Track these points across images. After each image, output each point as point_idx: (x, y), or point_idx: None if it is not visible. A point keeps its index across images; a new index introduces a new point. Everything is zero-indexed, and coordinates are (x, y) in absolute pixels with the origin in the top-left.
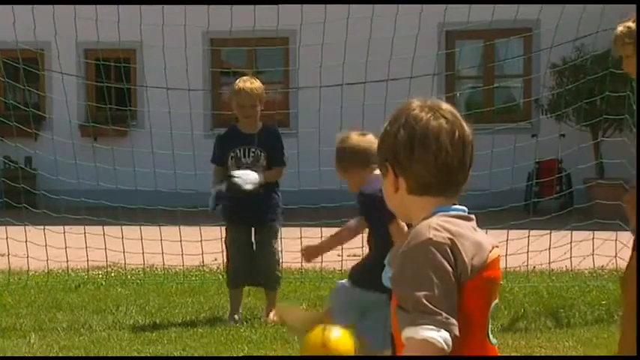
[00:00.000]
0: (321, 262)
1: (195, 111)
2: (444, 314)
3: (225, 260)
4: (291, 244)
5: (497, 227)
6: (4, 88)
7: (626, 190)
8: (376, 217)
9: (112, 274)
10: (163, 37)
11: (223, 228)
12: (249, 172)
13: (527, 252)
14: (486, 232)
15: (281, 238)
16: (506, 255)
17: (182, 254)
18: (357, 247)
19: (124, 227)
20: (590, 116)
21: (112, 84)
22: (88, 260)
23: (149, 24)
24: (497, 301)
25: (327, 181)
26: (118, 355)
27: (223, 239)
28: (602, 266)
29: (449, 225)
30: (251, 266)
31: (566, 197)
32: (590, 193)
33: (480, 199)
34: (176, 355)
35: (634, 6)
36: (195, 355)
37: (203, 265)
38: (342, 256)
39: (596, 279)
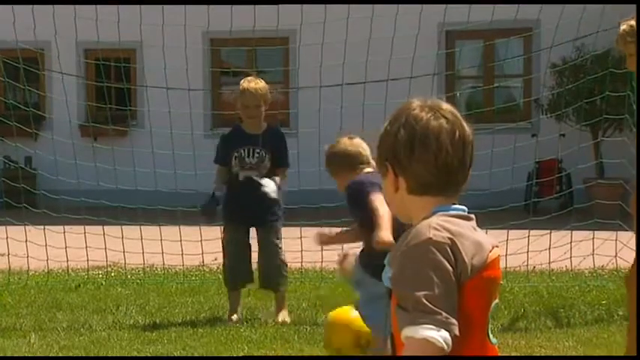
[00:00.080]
0: (321, 262)
1: (195, 111)
2: (444, 314)
3: (223, 262)
4: (291, 244)
5: (497, 227)
6: (4, 88)
7: (626, 190)
8: (355, 202)
9: (112, 274)
10: (163, 37)
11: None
12: (269, 180)
13: (527, 252)
14: (486, 232)
15: (281, 238)
16: (506, 255)
17: (182, 254)
18: (358, 248)
19: (124, 227)
20: (590, 116)
21: (112, 84)
22: (88, 260)
23: (149, 24)
24: (497, 300)
25: (327, 181)
26: (118, 355)
27: (222, 240)
28: (602, 266)
29: (449, 225)
30: (248, 267)
31: (566, 197)
32: (590, 192)
33: (480, 199)
34: (176, 354)
35: (634, 6)
36: (195, 354)
37: (203, 265)
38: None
39: (596, 279)
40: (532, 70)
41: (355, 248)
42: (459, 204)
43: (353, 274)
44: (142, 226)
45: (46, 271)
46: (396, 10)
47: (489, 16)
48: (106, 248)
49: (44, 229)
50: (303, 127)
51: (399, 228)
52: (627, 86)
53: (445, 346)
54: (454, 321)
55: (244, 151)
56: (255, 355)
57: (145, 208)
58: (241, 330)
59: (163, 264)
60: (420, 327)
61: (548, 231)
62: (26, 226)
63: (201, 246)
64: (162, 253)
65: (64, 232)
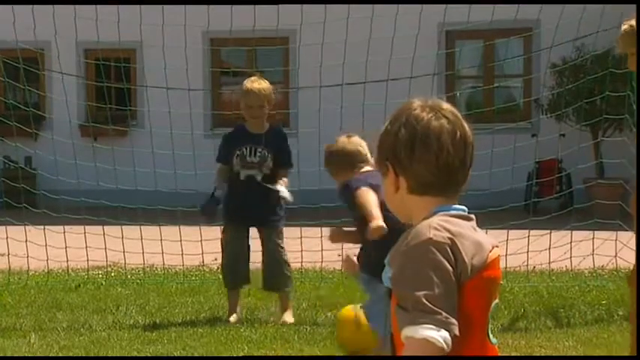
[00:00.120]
0: (321, 262)
1: (195, 111)
2: (444, 313)
3: (222, 261)
4: (291, 244)
5: (497, 227)
6: (4, 87)
7: (626, 190)
8: (347, 202)
9: (112, 274)
10: (163, 37)
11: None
12: (281, 186)
13: (527, 252)
14: (486, 232)
15: (283, 238)
16: (506, 255)
17: (182, 254)
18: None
19: (124, 227)
20: (590, 116)
21: (112, 84)
22: (88, 260)
23: (149, 24)
24: (497, 300)
25: (327, 181)
26: (118, 355)
27: (221, 240)
28: (602, 266)
29: (449, 225)
30: (247, 267)
31: (566, 197)
32: (590, 192)
33: (480, 199)
34: (176, 354)
35: (634, 6)
36: (195, 354)
37: (203, 265)
38: (342, 256)
39: (596, 279)
40: (532, 70)
41: (354, 248)
42: (459, 204)
43: (358, 274)
44: (142, 226)
45: (46, 271)
46: (396, 10)
47: (489, 16)
48: (106, 248)
49: (44, 229)
50: (303, 127)
51: (393, 223)
52: (627, 86)
53: (445, 346)
54: (454, 321)
55: (246, 149)
56: (255, 355)
57: (145, 208)
58: (241, 330)
59: (163, 264)
60: (420, 327)
61: (548, 231)
62: (26, 226)
63: (201, 246)
64: (163, 253)
65: (64, 232)
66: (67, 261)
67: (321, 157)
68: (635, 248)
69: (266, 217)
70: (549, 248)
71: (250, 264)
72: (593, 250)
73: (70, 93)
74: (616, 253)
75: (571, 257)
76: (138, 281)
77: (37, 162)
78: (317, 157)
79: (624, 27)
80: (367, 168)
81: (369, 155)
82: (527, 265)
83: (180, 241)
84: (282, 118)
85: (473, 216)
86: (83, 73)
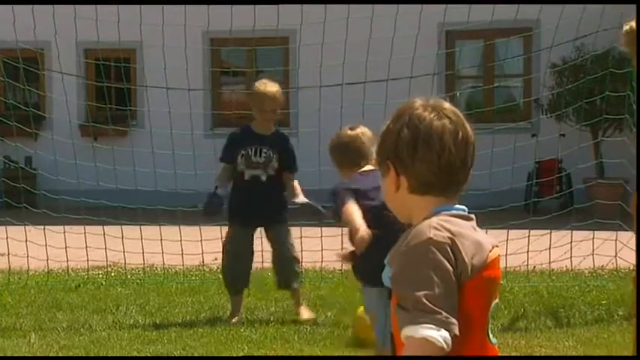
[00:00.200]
0: (321, 262)
1: (195, 111)
2: (444, 313)
3: (222, 262)
4: None
5: (497, 227)
6: (4, 87)
7: (626, 190)
8: (334, 210)
9: (112, 274)
10: (163, 37)
11: (223, 228)
12: (301, 197)
13: (527, 252)
14: (486, 232)
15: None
16: (506, 255)
17: (182, 254)
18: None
19: (124, 227)
20: (590, 116)
21: (112, 84)
22: (88, 260)
23: (149, 24)
24: (497, 300)
25: (327, 181)
26: (118, 355)
27: (224, 240)
28: (602, 266)
29: (449, 224)
30: (248, 271)
31: (566, 197)
32: (590, 192)
33: (480, 199)
34: (176, 354)
35: (634, 6)
36: (195, 354)
37: (203, 265)
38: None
39: (596, 279)
40: (532, 70)
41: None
42: (460, 204)
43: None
44: (142, 226)
45: (46, 271)
46: (396, 10)
47: (489, 16)
48: (106, 248)
49: (44, 229)
50: (303, 127)
51: (382, 219)
52: (627, 86)
53: (445, 346)
54: (454, 321)
55: (251, 150)
56: (255, 355)
57: (145, 208)
58: (241, 330)
59: (163, 264)
60: (420, 326)
61: (548, 231)
62: (26, 226)
63: (201, 246)
64: (163, 252)
65: (64, 232)
66: (67, 261)
67: (321, 157)
68: (635, 248)
69: (271, 216)
70: (549, 248)
71: (252, 265)
72: (593, 250)
73: (70, 93)
74: (616, 253)
75: (571, 257)
76: (138, 281)
77: (37, 162)
78: (317, 157)
79: (626, 28)
80: (368, 167)
81: (372, 149)
82: (527, 265)
83: (181, 240)
84: (282, 118)
85: (473, 216)
86: (83, 73)
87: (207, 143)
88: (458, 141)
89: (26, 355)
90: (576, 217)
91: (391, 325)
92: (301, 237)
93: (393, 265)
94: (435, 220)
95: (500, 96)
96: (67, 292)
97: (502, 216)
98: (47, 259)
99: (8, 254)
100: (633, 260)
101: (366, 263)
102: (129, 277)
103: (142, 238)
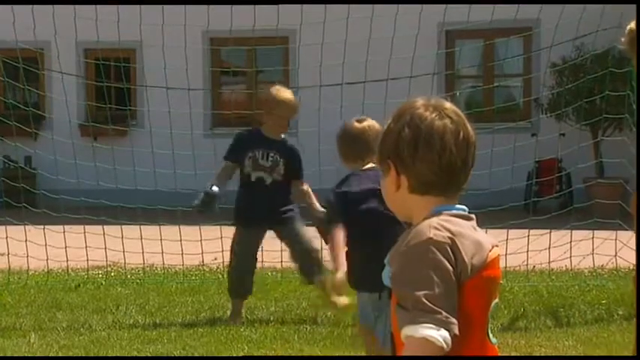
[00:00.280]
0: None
1: (195, 110)
2: (444, 313)
3: (229, 264)
4: None
5: (497, 226)
6: (3, 87)
7: (626, 190)
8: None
9: (112, 274)
10: (163, 37)
11: (223, 227)
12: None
13: (527, 251)
14: (486, 232)
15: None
16: (506, 254)
17: (182, 254)
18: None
19: (123, 227)
20: (589, 115)
21: (112, 84)
22: (87, 260)
23: (149, 24)
24: (497, 300)
25: (327, 180)
26: (118, 355)
27: (231, 241)
28: (602, 265)
29: (449, 224)
30: (252, 277)
31: (566, 196)
32: (590, 192)
33: (480, 199)
34: (176, 354)
35: (633, 6)
36: (195, 354)
37: (203, 265)
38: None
39: (596, 278)
40: (532, 69)
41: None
42: (460, 203)
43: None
44: (141, 226)
45: (45, 270)
46: (395, 9)
47: (489, 15)
48: (105, 248)
49: (44, 228)
50: (303, 126)
51: (369, 226)
52: (627, 86)
53: (445, 346)
54: (454, 320)
55: (259, 153)
56: (255, 355)
57: (144, 207)
58: (241, 330)
59: (163, 264)
60: (419, 326)
61: (548, 230)
62: (26, 226)
63: (201, 246)
64: (162, 252)
65: (64, 232)
66: (67, 261)
67: (321, 156)
68: (635, 248)
69: (275, 216)
70: (549, 248)
71: (254, 270)
72: (593, 250)
73: (69, 93)
74: (616, 253)
75: (571, 257)
76: (138, 281)
77: (36, 162)
78: (317, 157)
79: (630, 27)
80: (370, 165)
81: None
82: (527, 265)
83: (180, 240)
84: None
85: (473, 215)
86: (83, 72)
87: (207, 143)
88: (459, 141)
89: (26, 354)
90: (576, 217)
91: (391, 325)
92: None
93: (393, 265)
94: (435, 220)
95: (500, 95)
96: (67, 292)
97: (502, 215)
98: (47, 259)
99: (8, 254)
100: (633, 260)
101: (354, 270)
102: (129, 276)
103: (141, 238)
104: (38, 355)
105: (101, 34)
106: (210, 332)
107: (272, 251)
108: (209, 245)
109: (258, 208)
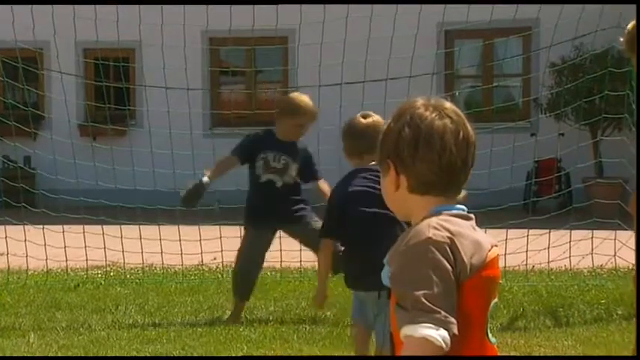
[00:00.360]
0: None
1: (194, 110)
2: (443, 312)
3: (235, 264)
4: (290, 243)
5: (497, 226)
6: (3, 87)
7: (625, 190)
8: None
9: (111, 274)
10: (162, 37)
11: (222, 227)
12: None
13: (527, 251)
14: (485, 232)
15: (280, 236)
16: (505, 254)
17: (181, 253)
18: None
19: (123, 227)
20: (589, 115)
21: (111, 83)
22: (87, 259)
23: (148, 23)
24: (496, 300)
25: (327, 180)
26: (118, 355)
27: (240, 242)
28: (601, 265)
29: (448, 224)
30: (257, 278)
31: (565, 196)
32: (589, 192)
33: (479, 199)
34: (175, 354)
35: (633, 6)
36: (195, 354)
37: (202, 265)
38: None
39: (595, 278)
40: (531, 69)
41: None
42: (459, 203)
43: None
44: (141, 226)
45: (45, 270)
46: (395, 9)
47: (488, 15)
48: (105, 248)
49: (43, 228)
50: None
51: (365, 228)
52: (626, 85)
53: (444, 345)
54: (453, 320)
55: (271, 154)
56: (255, 354)
57: (144, 207)
58: (240, 330)
59: (162, 263)
60: (419, 326)
61: (547, 230)
62: (25, 226)
63: (200, 245)
64: (162, 252)
65: (63, 232)
66: (66, 260)
67: (320, 156)
68: (634, 248)
69: (286, 216)
70: (548, 247)
71: (259, 272)
72: (592, 250)
73: (69, 93)
74: (615, 253)
75: (570, 256)
76: (137, 281)
77: (36, 161)
78: (316, 157)
79: (630, 26)
80: (372, 163)
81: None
82: (526, 265)
83: (180, 240)
84: None
85: (472, 215)
86: (82, 72)
87: (206, 143)
88: (459, 141)
89: (25, 354)
90: (575, 217)
91: (390, 325)
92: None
93: (393, 265)
94: (434, 220)
95: (499, 95)
96: (66, 292)
97: (501, 215)
98: (46, 259)
99: (7, 254)
100: (632, 259)
101: (352, 269)
102: (128, 276)
103: (141, 238)
104: (37, 354)
105: (100, 33)
106: (209, 332)
107: (271, 251)
108: (208, 245)
109: (267, 210)
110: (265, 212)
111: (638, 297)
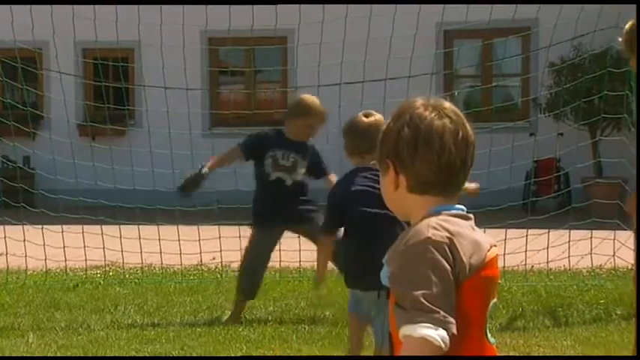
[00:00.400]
0: None
1: (193, 110)
2: (442, 312)
3: (241, 263)
4: (289, 242)
5: (496, 226)
6: (2, 87)
7: (624, 190)
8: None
9: (110, 274)
10: (161, 37)
11: (221, 227)
12: None
13: (526, 251)
14: (484, 231)
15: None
16: (504, 254)
17: (180, 253)
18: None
19: (122, 226)
20: (588, 115)
21: (110, 83)
22: (86, 259)
23: (147, 23)
24: (495, 300)
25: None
26: (117, 355)
27: (247, 242)
28: (600, 265)
29: (447, 224)
30: (262, 278)
31: (564, 196)
32: (588, 192)
33: (478, 198)
34: (174, 354)
35: (631, 6)
36: (194, 354)
37: (201, 265)
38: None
39: (594, 278)
40: (530, 69)
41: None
42: (458, 203)
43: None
44: (140, 226)
45: (44, 270)
46: (394, 9)
47: (487, 15)
48: (104, 248)
49: (42, 228)
50: None
51: (364, 228)
52: (625, 85)
53: (443, 345)
54: (452, 320)
55: (280, 153)
56: (254, 354)
57: (143, 207)
58: (240, 330)
59: (161, 263)
60: (417, 325)
61: (547, 230)
62: (24, 226)
63: (199, 245)
64: (161, 252)
65: (62, 232)
66: (66, 260)
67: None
68: (634, 247)
69: (296, 215)
70: (547, 247)
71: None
72: (591, 250)
73: (68, 92)
74: (614, 253)
75: (569, 256)
76: (136, 281)
77: (35, 161)
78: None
79: (627, 26)
80: (373, 162)
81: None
82: (525, 265)
83: (179, 240)
84: (280, 118)
85: (471, 215)
86: (81, 72)
87: (205, 143)
88: (458, 141)
89: (24, 354)
90: (574, 217)
91: (389, 325)
92: (299, 236)
93: (392, 265)
94: (433, 220)
95: (498, 95)
96: (65, 292)
97: (500, 215)
98: (45, 259)
99: (6, 254)
100: (631, 259)
101: (350, 269)
102: (127, 276)
103: (140, 238)
104: (36, 355)
105: (99, 33)
106: (208, 332)
107: None
108: (207, 245)
109: (276, 209)
110: (274, 211)
111: (638, 297)
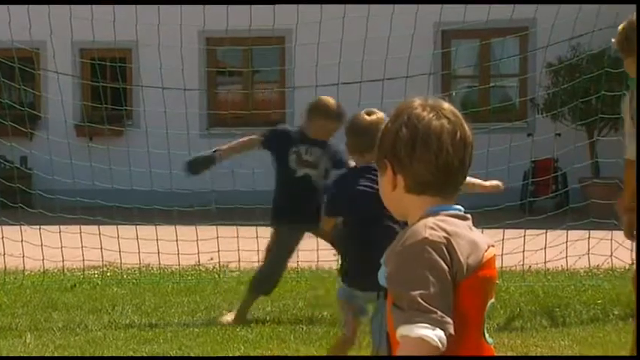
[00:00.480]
0: (317, 261)
1: (190, 110)
2: (439, 312)
3: (263, 261)
4: None
5: (493, 226)
6: None
7: (622, 190)
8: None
9: (108, 274)
10: (159, 37)
11: (220, 227)
12: None
13: (523, 251)
14: (482, 232)
15: None
16: (502, 254)
17: (178, 254)
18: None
19: (119, 227)
20: (585, 115)
21: (108, 83)
22: (83, 260)
23: (145, 23)
24: (493, 300)
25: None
26: (114, 355)
27: (269, 242)
28: (598, 265)
29: (445, 224)
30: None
31: (562, 196)
32: (586, 192)
33: (476, 198)
34: (172, 354)
35: (629, 6)
36: (192, 354)
37: (199, 265)
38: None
39: (592, 278)
40: (528, 69)
41: None
42: (456, 203)
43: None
44: (137, 226)
45: (41, 270)
46: (392, 9)
47: (485, 15)
48: (101, 248)
49: (40, 228)
50: None
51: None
52: (623, 86)
53: (440, 345)
54: (449, 320)
55: (303, 148)
56: (252, 355)
57: (140, 207)
58: (237, 330)
59: (159, 264)
60: (415, 326)
61: (544, 230)
62: (22, 226)
63: (197, 245)
64: (158, 252)
65: (60, 232)
66: (63, 261)
67: None
68: (632, 248)
69: (317, 218)
70: (545, 248)
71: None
72: (589, 250)
73: (65, 93)
74: (611, 253)
75: (567, 257)
76: (134, 281)
77: (32, 162)
78: None
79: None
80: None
81: None
82: (522, 265)
83: (177, 240)
84: (278, 118)
85: (469, 215)
86: (79, 72)
87: (203, 143)
88: (456, 141)
89: (22, 355)
90: (572, 217)
91: (387, 325)
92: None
93: (389, 265)
94: (431, 220)
95: (496, 95)
96: (63, 292)
97: (498, 215)
98: (43, 259)
99: (4, 254)
100: (629, 260)
101: (349, 268)
102: (125, 276)
103: (137, 238)
104: (34, 355)
105: (97, 33)
106: (206, 332)
107: None
108: (205, 245)
109: (304, 207)
110: (301, 209)
111: (638, 297)
